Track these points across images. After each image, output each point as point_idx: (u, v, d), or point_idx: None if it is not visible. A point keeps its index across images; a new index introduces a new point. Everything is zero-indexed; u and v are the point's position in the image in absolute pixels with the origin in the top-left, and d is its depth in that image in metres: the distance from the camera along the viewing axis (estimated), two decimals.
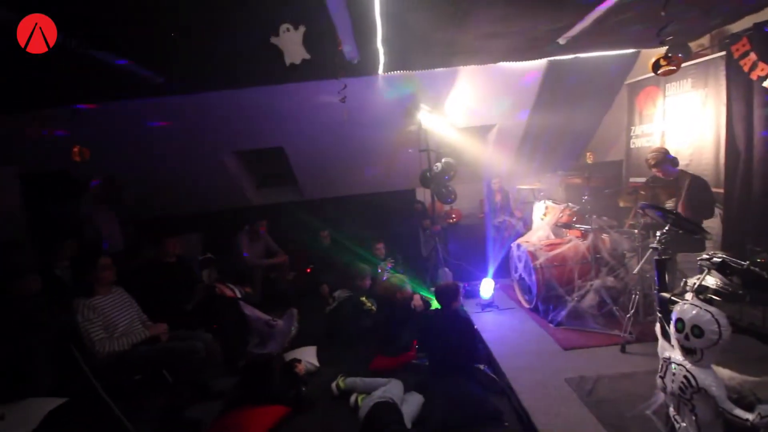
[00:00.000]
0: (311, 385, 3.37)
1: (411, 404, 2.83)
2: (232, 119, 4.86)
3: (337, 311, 4.37)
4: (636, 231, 3.39)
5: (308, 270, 5.49)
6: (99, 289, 3.01)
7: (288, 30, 2.23)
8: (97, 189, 4.81)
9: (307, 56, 2.32)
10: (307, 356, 3.71)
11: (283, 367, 3.41)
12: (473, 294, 4.62)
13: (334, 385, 3.26)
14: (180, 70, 3.52)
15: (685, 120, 4.20)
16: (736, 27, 3.72)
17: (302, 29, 2.25)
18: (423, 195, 6.09)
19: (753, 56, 3.41)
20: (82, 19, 2.41)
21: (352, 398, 3.07)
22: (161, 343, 3.11)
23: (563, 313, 3.67)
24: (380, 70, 4.16)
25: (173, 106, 4.46)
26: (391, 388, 2.90)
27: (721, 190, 3.75)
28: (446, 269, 5.09)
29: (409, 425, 2.69)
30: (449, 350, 3.13)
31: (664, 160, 3.52)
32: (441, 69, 4.52)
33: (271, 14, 2.28)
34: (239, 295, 4.10)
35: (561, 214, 4.18)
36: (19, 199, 4.88)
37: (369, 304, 4.31)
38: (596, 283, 3.60)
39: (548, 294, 3.86)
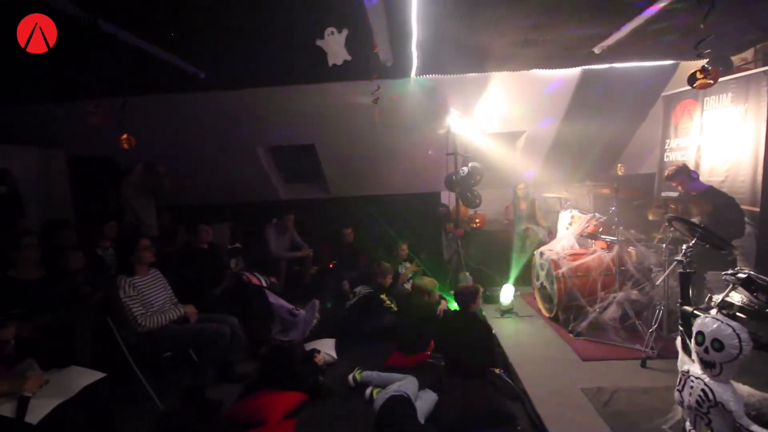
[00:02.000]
0: (329, 376, 3.48)
1: (425, 401, 2.88)
2: (268, 115, 5.05)
3: (356, 307, 4.47)
4: (664, 245, 3.33)
5: (331, 265, 5.62)
6: (138, 268, 3.19)
7: (332, 33, 2.35)
8: (138, 175, 5.10)
9: (349, 58, 2.44)
10: (326, 348, 3.82)
11: (303, 356, 3.53)
12: (493, 299, 4.62)
13: (350, 377, 3.35)
14: (223, 67, 3.72)
15: (722, 135, 4.07)
16: None
17: (345, 32, 2.37)
18: (448, 198, 6.12)
19: None
20: (134, 14, 2.60)
21: (368, 391, 3.15)
22: (190, 324, 3.28)
23: (584, 323, 3.63)
24: (413, 73, 4.25)
25: (214, 100, 4.68)
26: (406, 384, 2.96)
27: (757, 209, 3.63)
28: (467, 273, 5.11)
29: (422, 421, 2.74)
30: (465, 351, 3.17)
31: (680, 172, 3.47)
32: (473, 74, 4.57)
33: (316, 18, 2.41)
34: (265, 284, 4.26)
35: (587, 225, 4.13)
36: (68, 181, 5.23)
37: (389, 302, 4.39)
38: (620, 295, 3.55)
39: (569, 304, 3.83)
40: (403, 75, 4.27)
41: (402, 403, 2.75)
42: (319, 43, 2.38)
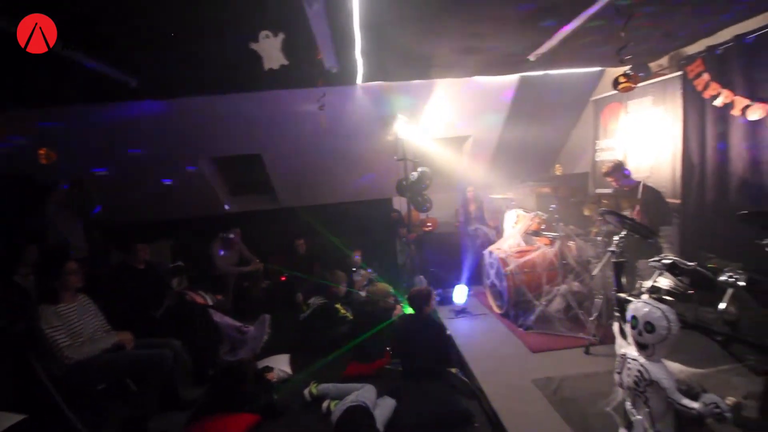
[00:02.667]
0: (283, 393, 3.34)
1: (383, 408, 2.84)
2: (209, 125, 4.83)
3: (311, 319, 4.35)
4: (599, 238, 3.56)
5: (283, 278, 5.46)
6: (64, 295, 2.91)
7: (267, 36, 2.28)
8: (63, 193, 4.67)
9: (286, 62, 2.37)
10: (280, 364, 3.68)
11: (254, 374, 3.36)
12: (448, 300, 4.69)
13: (306, 391, 3.24)
14: (156, 74, 3.50)
15: (645, 135, 4.44)
16: (692, 49, 4.01)
17: (281, 36, 2.31)
18: (399, 204, 6.16)
19: (706, 77, 3.67)
20: (56, 18, 2.39)
21: (325, 404, 3.06)
22: (126, 351, 3.02)
23: (532, 317, 3.78)
24: (359, 80, 4.25)
25: (147, 110, 4.39)
26: (363, 393, 2.90)
27: (678, 201, 3.98)
28: (421, 277, 5.16)
29: (381, 429, 2.70)
30: (421, 354, 3.17)
31: (616, 169, 3.76)
32: (418, 81, 4.66)
33: (251, 21, 2.33)
34: (210, 303, 4.04)
35: (531, 223, 4.33)
36: None
37: (344, 311, 4.32)
38: (563, 288, 3.74)
39: (518, 299, 3.97)
40: (348, 82, 4.26)
41: (360, 413, 2.69)
42: (253, 46, 2.31)
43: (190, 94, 4.20)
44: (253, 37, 2.28)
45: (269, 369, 3.43)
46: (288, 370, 3.67)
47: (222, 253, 5.18)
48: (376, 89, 4.71)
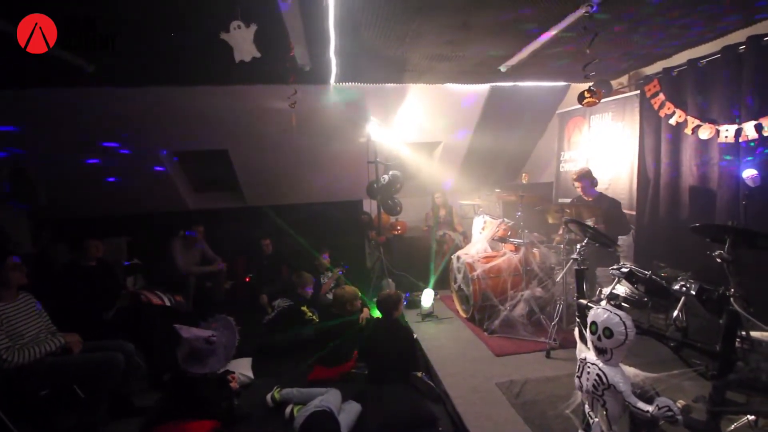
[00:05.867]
0: (245, 398, 3.23)
1: (348, 413, 2.80)
2: (173, 117, 4.61)
3: (275, 321, 4.24)
4: (562, 246, 3.69)
5: (247, 279, 5.29)
6: (4, 293, 2.70)
7: (239, 27, 2.21)
8: (2, 183, 4.32)
9: (258, 54, 2.30)
10: (241, 368, 3.55)
11: (215, 380, 3.22)
12: (415, 304, 4.71)
13: (269, 396, 3.14)
14: (117, 61, 3.30)
15: (605, 149, 4.67)
16: (650, 70, 4.26)
17: (253, 28, 2.24)
18: (369, 206, 6.15)
19: (662, 96, 3.91)
20: None
21: (288, 409, 2.98)
22: (73, 354, 2.83)
23: (496, 321, 3.86)
24: (332, 80, 4.20)
25: (104, 97, 4.14)
26: (328, 398, 2.85)
27: (634, 212, 4.21)
28: (390, 280, 5.15)
29: None
30: (388, 358, 3.16)
31: (586, 176, 3.93)
32: (392, 84, 4.67)
33: (222, 11, 2.25)
34: (168, 304, 3.84)
35: (497, 229, 4.43)
36: None
37: (310, 314, 4.24)
38: (526, 293, 3.85)
39: (484, 304, 4.05)
40: (321, 81, 4.21)
41: (324, 418, 2.64)
42: (224, 36, 2.23)
43: (150, 83, 3.99)
44: (224, 28, 2.20)
45: (230, 373, 3.30)
46: (250, 374, 3.55)
47: (182, 251, 4.94)
48: (350, 90, 4.67)
